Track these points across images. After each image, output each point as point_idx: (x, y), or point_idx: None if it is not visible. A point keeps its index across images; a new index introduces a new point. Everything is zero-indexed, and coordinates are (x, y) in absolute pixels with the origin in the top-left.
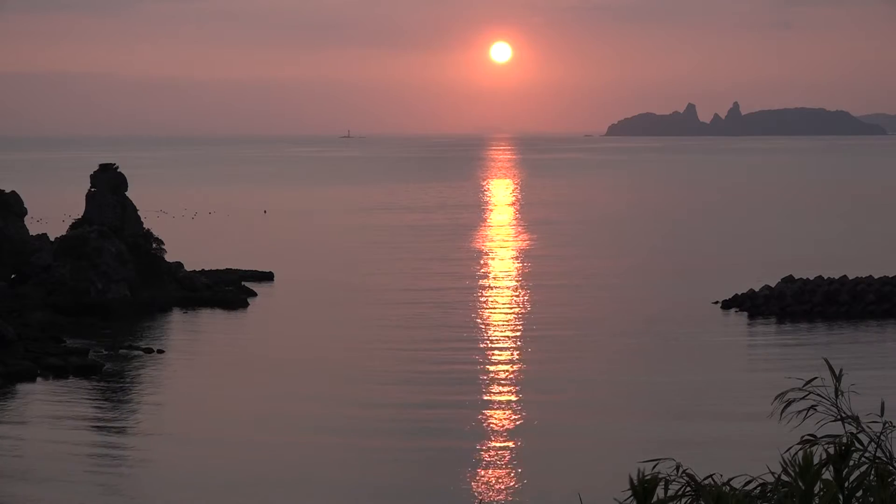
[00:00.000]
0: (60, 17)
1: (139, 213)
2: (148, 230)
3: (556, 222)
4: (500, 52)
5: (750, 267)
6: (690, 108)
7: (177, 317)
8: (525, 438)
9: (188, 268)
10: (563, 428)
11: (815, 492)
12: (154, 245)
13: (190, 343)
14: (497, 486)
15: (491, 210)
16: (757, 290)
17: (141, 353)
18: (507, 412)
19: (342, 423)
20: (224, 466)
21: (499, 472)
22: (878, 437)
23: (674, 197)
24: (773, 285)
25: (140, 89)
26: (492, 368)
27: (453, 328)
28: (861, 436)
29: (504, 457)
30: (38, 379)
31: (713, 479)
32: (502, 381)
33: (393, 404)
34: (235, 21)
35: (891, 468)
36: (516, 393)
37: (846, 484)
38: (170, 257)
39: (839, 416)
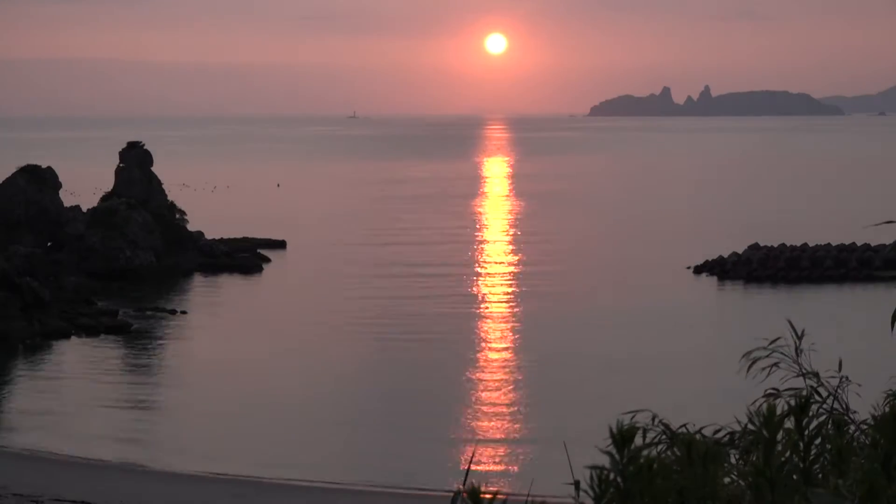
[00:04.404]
0: (85, 5)
1: (164, 186)
2: (172, 202)
3: (553, 196)
4: (494, 40)
5: (719, 235)
6: (666, 90)
7: (198, 281)
8: (512, 394)
9: (208, 236)
10: (548, 385)
11: (778, 439)
12: (177, 216)
13: (210, 304)
14: (485, 435)
15: (486, 184)
16: (726, 256)
17: (166, 313)
18: (492, 371)
19: (347, 374)
20: (241, 413)
21: (486, 424)
22: (836, 391)
23: (651, 172)
24: (740, 252)
25: (162, 73)
26: (482, 328)
27: (447, 289)
28: (820, 389)
29: (491, 412)
30: (73, 337)
31: (686, 428)
32: (490, 341)
33: (388, 358)
34: (248, 9)
35: (847, 418)
36: (504, 351)
37: (806, 433)
38: (192, 227)
39: (800, 373)
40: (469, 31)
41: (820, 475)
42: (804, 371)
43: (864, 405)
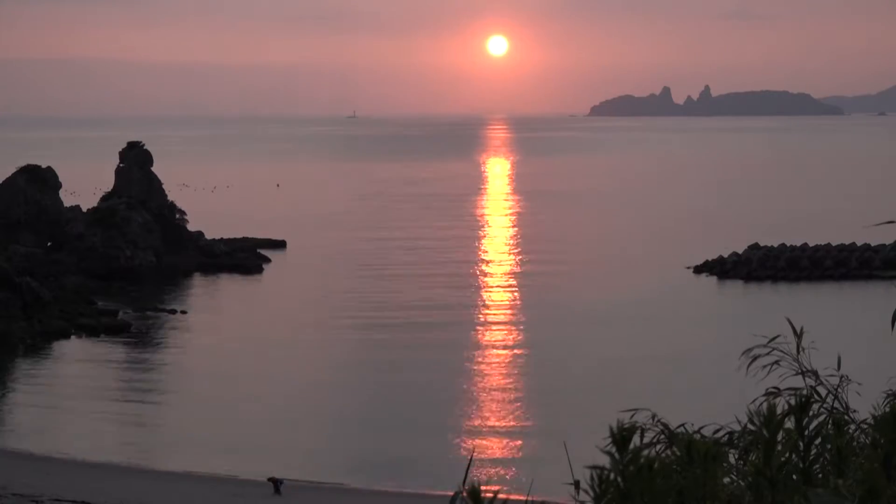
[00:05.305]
0: (83, 4)
1: (164, 186)
2: (172, 202)
3: (554, 195)
4: (495, 41)
5: (719, 235)
6: (665, 90)
7: (198, 281)
8: (512, 394)
9: (208, 236)
10: (547, 384)
11: (778, 439)
12: (177, 216)
13: (210, 304)
14: (485, 435)
15: (487, 183)
16: (726, 256)
17: (166, 313)
18: (492, 370)
19: (346, 375)
20: (241, 413)
21: (486, 424)
22: (836, 390)
23: (651, 172)
24: (740, 252)
25: (161, 73)
26: (482, 327)
27: (447, 289)
28: (820, 388)
29: (491, 412)
30: (73, 337)
31: (685, 428)
32: (490, 341)
33: (388, 358)
34: (248, 9)
35: (847, 418)
36: (503, 350)
37: (806, 432)
38: (192, 227)
39: (800, 371)
40: (470, 31)
41: (820, 475)
42: (804, 369)
43: (864, 405)
